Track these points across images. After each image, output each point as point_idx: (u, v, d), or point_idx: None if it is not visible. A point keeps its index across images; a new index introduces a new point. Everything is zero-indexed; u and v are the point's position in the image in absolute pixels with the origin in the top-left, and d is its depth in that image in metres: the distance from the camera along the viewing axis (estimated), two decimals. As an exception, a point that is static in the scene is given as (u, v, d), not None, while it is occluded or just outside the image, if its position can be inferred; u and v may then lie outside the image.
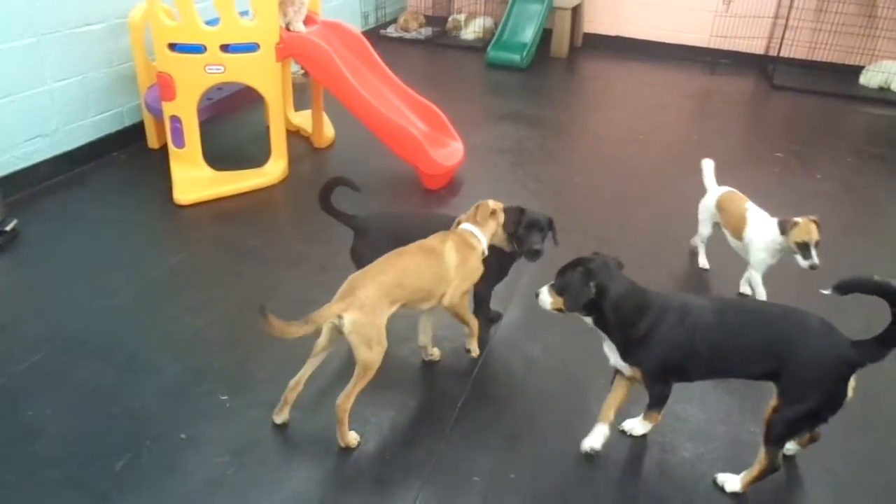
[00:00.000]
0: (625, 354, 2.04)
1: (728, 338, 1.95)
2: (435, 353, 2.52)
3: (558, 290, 2.02)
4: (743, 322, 1.97)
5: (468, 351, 2.54)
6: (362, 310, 2.00)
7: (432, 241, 2.30)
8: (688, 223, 3.60)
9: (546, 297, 2.05)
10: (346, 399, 2.08)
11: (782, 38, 5.98)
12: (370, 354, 2.03)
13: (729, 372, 2.06)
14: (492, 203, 2.39)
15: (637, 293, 2.00)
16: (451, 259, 2.27)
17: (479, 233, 2.35)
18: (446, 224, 2.47)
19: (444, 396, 2.34)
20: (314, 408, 2.28)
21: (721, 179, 3.18)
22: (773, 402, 1.91)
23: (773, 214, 2.87)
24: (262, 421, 2.21)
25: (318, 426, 2.21)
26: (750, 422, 2.26)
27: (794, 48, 6.14)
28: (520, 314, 2.81)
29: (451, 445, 2.17)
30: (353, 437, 2.14)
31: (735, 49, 6.47)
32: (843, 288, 1.80)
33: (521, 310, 2.83)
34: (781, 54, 6.02)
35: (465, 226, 2.36)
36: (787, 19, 5.89)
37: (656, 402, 2.12)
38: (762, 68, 6.33)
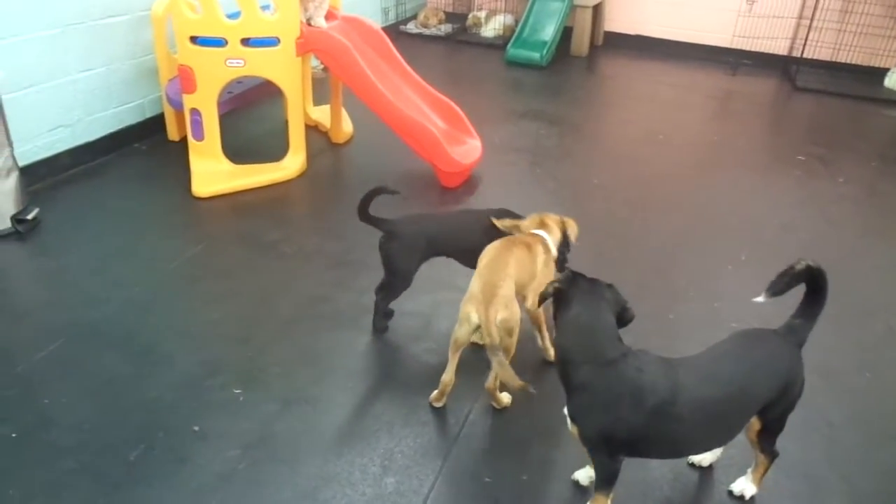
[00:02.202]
0: (567, 400, 1.78)
1: (700, 425, 1.74)
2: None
3: None
4: (720, 400, 1.74)
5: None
6: (507, 307, 2.10)
7: (525, 238, 2.35)
8: (708, 225, 3.56)
9: None
10: (494, 381, 2.25)
11: (806, 38, 5.89)
12: (511, 341, 2.15)
13: (704, 449, 1.97)
14: (553, 217, 2.48)
15: (601, 334, 1.71)
16: (540, 260, 2.33)
17: (551, 241, 2.41)
18: (477, 220, 2.53)
19: (456, 396, 2.33)
20: (326, 404, 2.29)
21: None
22: (756, 426, 1.87)
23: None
24: (274, 415, 2.22)
25: (330, 423, 2.22)
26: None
27: (818, 49, 6.06)
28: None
29: (463, 446, 2.17)
30: (507, 398, 2.31)
31: (758, 50, 6.38)
32: (779, 288, 1.79)
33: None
34: (805, 55, 5.94)
35: (540, 232, 2.41)
36: (812, 20, 5.80)
37: (603, 480, 1.80)
38: (785, 69, 6.24)
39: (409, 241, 2.47)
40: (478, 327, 2.10)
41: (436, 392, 2.29)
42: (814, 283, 1.81)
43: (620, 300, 1.80)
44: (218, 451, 2.08)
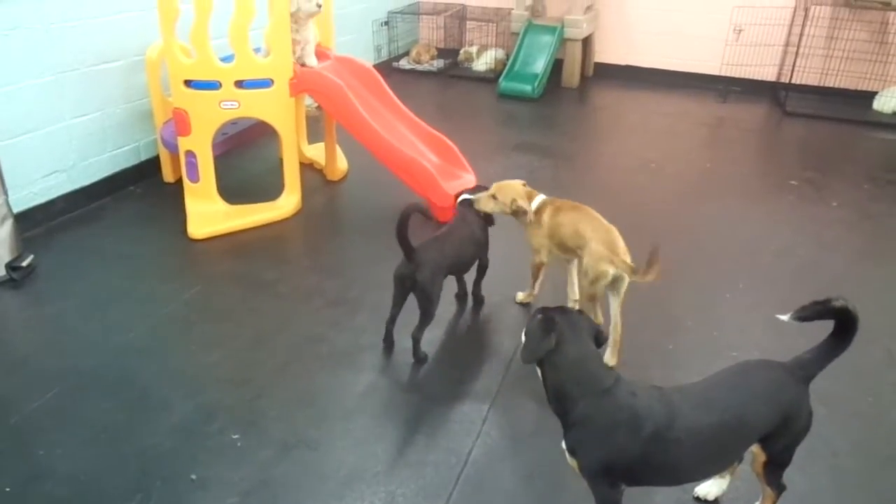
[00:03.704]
0: (564, 434, 1.78)
1: (696, 450, 1.72)
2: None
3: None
4: (716, 426, 1.72)
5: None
6: (627, 254, 2.56)
7: (570, 202, 2.77)
8: (703, 253, 3.57)
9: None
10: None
11: (794, 65, 5.97)
12: (625, 286, 2.59)
13: (702, 476, 1.96)
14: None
15: (592, 364, 1.73)
16: None
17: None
18: (469, 234, 2.84)
19: (459, 432, 2.31)
20: (326, 447, 2.26)
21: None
22: (761, 458, 1.85)
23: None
24: (273, 460, 2.19)
25: (330, 466, 2.19)
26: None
27: (806, 75, 6.13)
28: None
29: (465, 486, 2.14)
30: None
31: (747, 76, 6.47)
32: (807, 315, 1.75)
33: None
34: (793, 81, 6.01)
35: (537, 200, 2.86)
36: (798, 47, 5.89)
37: None
38: (774, 95, 6.32)
39: (437, 267, 2.63)
40: (613, 280, 2.51)
41: None
42: (844, 325, 1.75)
43: (594, 325, 1.84)
44: (217, 499, 2.05)
